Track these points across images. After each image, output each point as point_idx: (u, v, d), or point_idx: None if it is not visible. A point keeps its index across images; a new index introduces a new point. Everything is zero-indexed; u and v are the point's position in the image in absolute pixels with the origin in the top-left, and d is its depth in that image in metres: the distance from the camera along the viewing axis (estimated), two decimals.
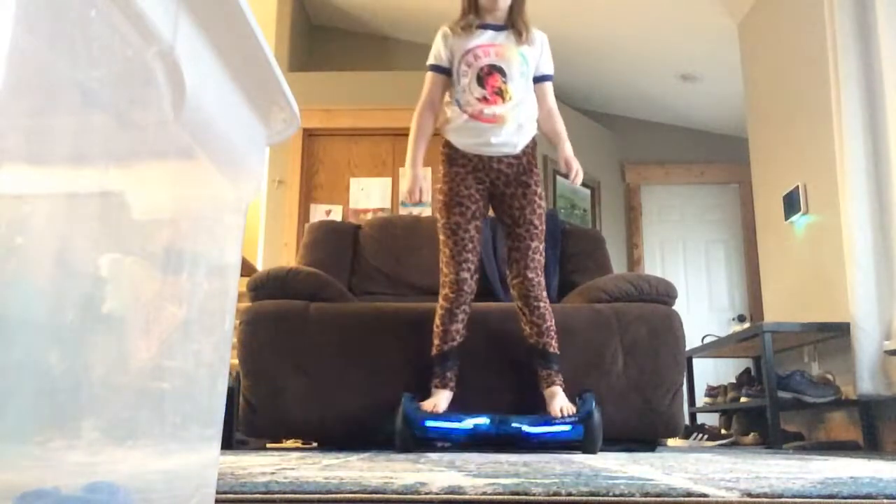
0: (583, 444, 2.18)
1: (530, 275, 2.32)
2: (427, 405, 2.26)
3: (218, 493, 0.70)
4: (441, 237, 2.36)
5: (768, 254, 4.18)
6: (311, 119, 4.87)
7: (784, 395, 3.19)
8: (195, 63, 0.51)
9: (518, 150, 2.36)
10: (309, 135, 5.01)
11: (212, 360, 0.64)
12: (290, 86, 0.66)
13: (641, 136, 5.95)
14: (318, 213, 4.92)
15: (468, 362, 2.48)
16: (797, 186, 3.71)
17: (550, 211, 3.56)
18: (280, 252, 4.79)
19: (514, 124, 2.33)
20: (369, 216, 4.66)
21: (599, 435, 2.19)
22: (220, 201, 0.66)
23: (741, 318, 5.37)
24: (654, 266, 5.77)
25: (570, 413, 2.21)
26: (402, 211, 4.89)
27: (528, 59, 2.37)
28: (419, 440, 2.21)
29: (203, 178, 0.61)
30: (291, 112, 0.68)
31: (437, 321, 2.35)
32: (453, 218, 2.32)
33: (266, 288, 2.61)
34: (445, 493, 0.81)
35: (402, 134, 5.04)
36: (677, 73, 5.28)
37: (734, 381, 3.95)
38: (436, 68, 2.43)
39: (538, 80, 2.43)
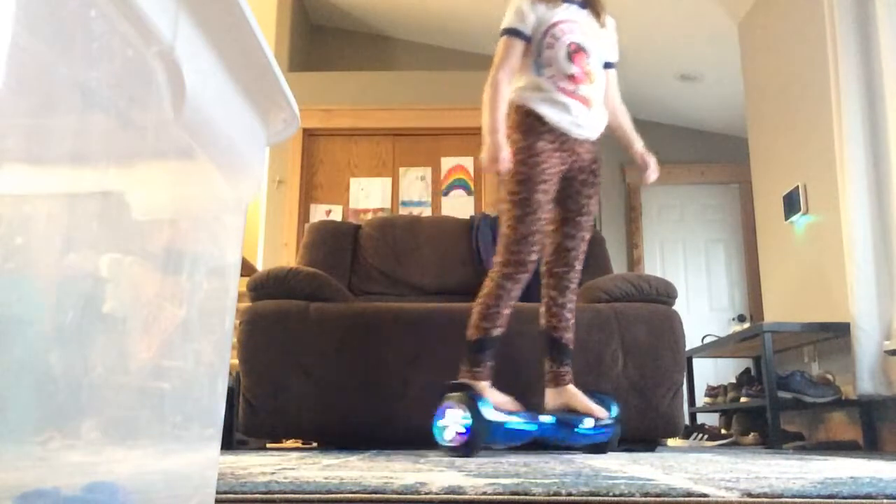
0: (609, 444, 2.18)
1: (578, 266, 2.27)
2: (501, 404, 2.06)
3: (218, 493, 0.70)
4: (515, 212, 2.13)
5: (768, 254, 4.18)
6: (311, 119, 4.87)
7: (784, 395, 3.19)
8: (195, 63, 0.51)
9: (596, 136, 2.30)
10: (309, 135, 5.01)
11: (212, 360, 0.64)
12: (290, 86, 0.66)
13: (641, 136, 5.93)
14: (318, 213, 4.92)
15: None
16: (797, 186, 3.71)
17: None
18: (280, 252, 4.79)
19: (598, 108, 2.26)
20: (369, 216, 4.67)
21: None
22: (220, 201, 0.66)
23: (741, 318, 5.37)
24: (654, 266, 5.77)
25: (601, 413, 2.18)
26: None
27: (605, 42, 2.30)
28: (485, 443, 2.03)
29: (203, 178, 0.61)
30: (291, 112, 0.68)
31: (489, 301, 2.14)
32: (537, 195, 2.12)
33: (266, 288, 2.61)
34: (445, 493, 0.81)
35: (402, 134, 5.11)
36: (677, 73, 5.28)
37: (734, 381, 3.95)
38: (518, 34, 2.21)
39: (606, 66, 2.33)
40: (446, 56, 5.55)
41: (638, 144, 2.42)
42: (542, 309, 2.28)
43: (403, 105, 5.01)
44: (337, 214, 4.92)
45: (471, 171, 5.01)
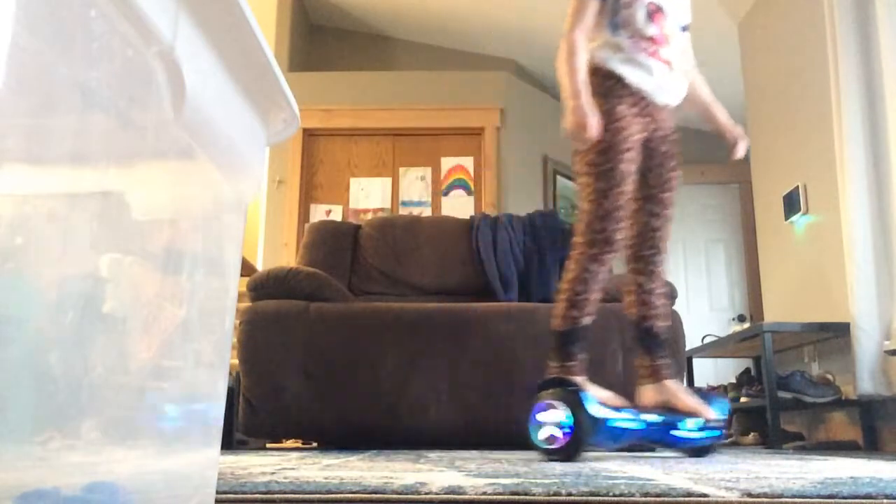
0: (713, 447, 1.98)
1: (665, 249, 2.07)
2: (606, 399, 1.85)
3: (218, 493, 0.70)
4: (597, 185, 1.92)
5: (768, 254, 4.18)
6: (311, 119, 4.87)
7: (784, 395, 3.19)
8: (195, 63, 0.51)
9: (677, 102, 2.10)
10: (309, 135, 5.01)
11: (212, 360, 0.64)
12: (290, 86, 0.66)
13: None
14: (318, 213, 4.92)
15: (468, 363, 2.48)
16: (797, 186, 3.71)
17: (550, 211, 3.56)
18: (280, 252, 4.79)
19: (679, 72, 2.09)
20: (369, 216, 4.67)
21: None
22: (220, 201, 0.66)
23: (741, 318, 5.37)
24: None
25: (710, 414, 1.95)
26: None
27: (682, 1, 2.13)
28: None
29: (203, 178, 0.61)
30: (291, 112, 0.68)
31: (576, 286, 1.92)
32: (622, 165, 1.91)
33: (266, 288, 2.62)
34: (445, 493, 0.81)
35: (402, 134, 5.11)
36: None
37: (734, 381, 3.95)
38: None
39: (682, 30, 2.14)
40: (446, 56, 5.55)
41: (722, 116, 2.21)
42: (631, 298, 2.08)
43: (403, 105, 5.01)
44: (337, 214, 4.92)
45: (471, 171, 5.01)
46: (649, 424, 1.84)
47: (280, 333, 2.51)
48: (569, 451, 1.67)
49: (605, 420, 1.71)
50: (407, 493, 0.81)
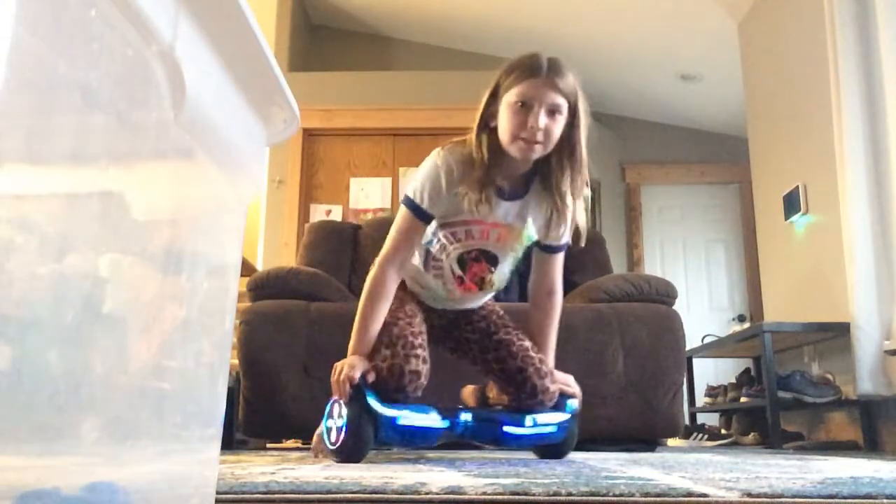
0: (562, 448, 1.86)
1: None
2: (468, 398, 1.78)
3: (218, 493, 0.70)
4: None
5: (768, 254, 4.18)
6: (311, 119, 4.87)
7: (784, 395, 3.19)
8: (195, 63, 0.51)
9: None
10: (309, 135, 5.01)
11: (212, 360, 0.64)
12: (290, 86, 0.66)
13: (641, 136, 5.95)
14: (318, 213, 4.92)
15: (468, 363, 2.47)
16: (797, 186, 3.71)
17: None
18: (280, 252, 4.79)
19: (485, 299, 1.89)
20: (369, 216, 4.67)
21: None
22: (220, 201, 0.66)
23: (741, 318, 5.38)
24: (654, 266, 5.77)
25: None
26: None
27: (534, 236, 1.75)
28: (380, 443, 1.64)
29: (203, 178, 0.61)
30: (291, 112, 0.68)
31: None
32: None
33: (266, 288, 2.61)
34: (445, 493, 0.81)
35: (402, 134, 5.10)
36: (677, 73, 5.28)
37: (734, 381, 3.95)
38: (420, 213, 1.67)
39: (546, 249, 1.79)
40: (446, 56, 5.55)
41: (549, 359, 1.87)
42: None
43: (403, 105, 5.01)
44: (337, 214, 4.92)
45: None
46: (457, 423, 1.68)
47: (280, 333, 2.51)
48: (344, 450, 1.55)
49: (391, 419, 1.58)
50: (407, 493, 0.81)
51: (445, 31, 5.45)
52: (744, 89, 4.49)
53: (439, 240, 1.75)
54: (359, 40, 5.70)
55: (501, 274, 1.79)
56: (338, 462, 1.55)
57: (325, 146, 5.06)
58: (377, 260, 1.75)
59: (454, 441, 1.75)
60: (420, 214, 1.67)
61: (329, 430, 1.62)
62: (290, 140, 4.53)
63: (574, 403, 1.84)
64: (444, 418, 1.67)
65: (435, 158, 1.68)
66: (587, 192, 1.71)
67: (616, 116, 5.96)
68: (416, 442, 1.70)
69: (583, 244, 1.77)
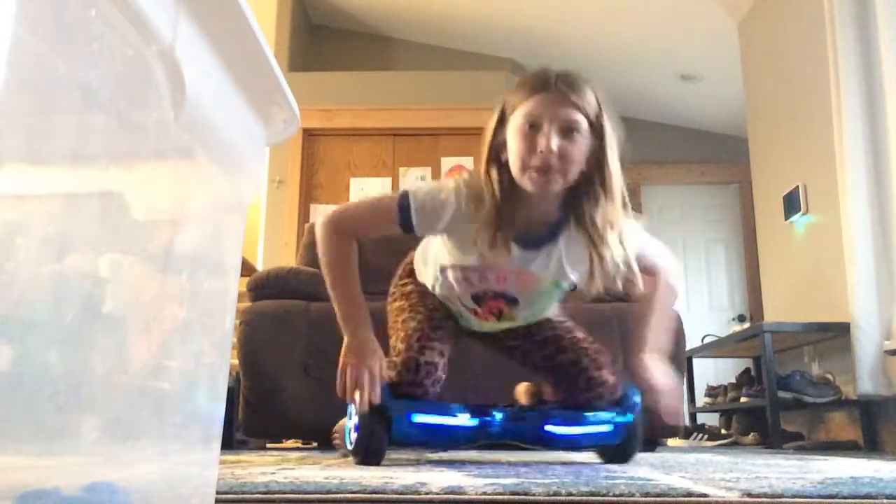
0: (624, 451, 1.68)
1: None
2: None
3: (218, 493, 0.70)
4: None
5: (768, 254, 4.18)
6: (311, 119, 4.87)
7: (784, 395, 3.19)
8: (195, 63, 0.51)
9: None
10: (309, 135, 5.01)
11: (212, 360, 0.64)
12: (290, 86, 0.66)
13: (641, 136, 5.94)
14: (318, 213, 4.92)
15: (468, 363, 2.47)
16: (797, 186, 3.71)
17: None
18: (280, 252, 4.79)
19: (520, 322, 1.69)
20: None
21: None
22: (220, 201, 0.66)
23: (741, 318, 5.37)
24: None
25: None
26: None
27: (567, 285, 1.57)
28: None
29: (203, 178, 0.61)
30: (291, 112, 0.68)
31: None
32: None
33: (266, 288, 2.61)
34: (445, 493, 0.81)
35: (402, 134, 5.10)
36: (677, 73, 5.28)
37: (734, 381, 3.95)
38: (406, 224, 1.46)
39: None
40: (446, 56, 5.55)
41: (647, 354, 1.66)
42: None
43: (403, 105, 5.01)
44: None
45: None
46: (489, 422, 1.55)
47: (280, 333, 2.50)
48: (359, 451, 1.49)
49: (405, 416, 1.49)
50: (407, 493, 0.81)
51: (445, 31, 5.45)
52: (744, 89, 4.49)
53: (447, 279, 1.57)
54: (359, 40, 5.70)
55: (527, 310, 1.62)
56: (357, 463, 1.48)
57: (325, 146, 5.06)
58: (327, 217, 1.55)
59: (493, 442, 1.60)
60: (404, 220, 1.45)
61: (349, 430, 1.56)
62: (290, 140, 4.52)
63: (637, 400, 1.63)
64: (473, 416, 1.53)
65: (452, 189, 1.44)
66: (630, 223, 1.48)
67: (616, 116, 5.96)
68: (438, 442, 1.59)
69: (640, 286, 1.50)
